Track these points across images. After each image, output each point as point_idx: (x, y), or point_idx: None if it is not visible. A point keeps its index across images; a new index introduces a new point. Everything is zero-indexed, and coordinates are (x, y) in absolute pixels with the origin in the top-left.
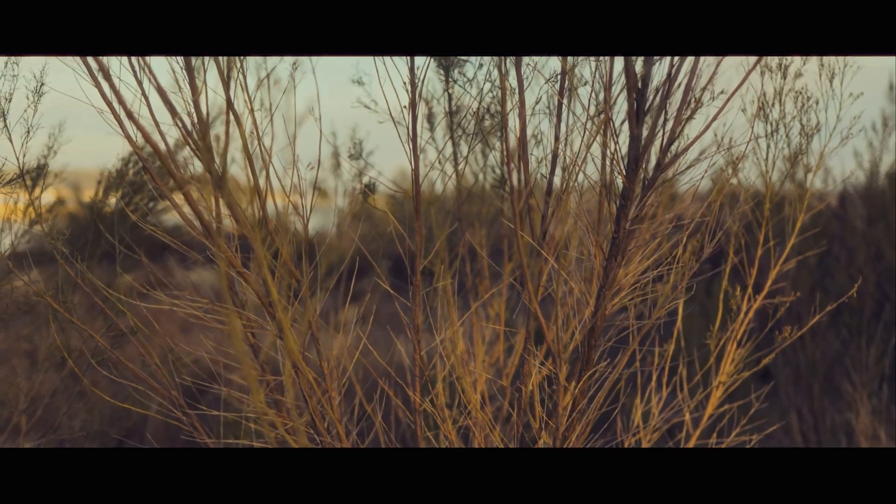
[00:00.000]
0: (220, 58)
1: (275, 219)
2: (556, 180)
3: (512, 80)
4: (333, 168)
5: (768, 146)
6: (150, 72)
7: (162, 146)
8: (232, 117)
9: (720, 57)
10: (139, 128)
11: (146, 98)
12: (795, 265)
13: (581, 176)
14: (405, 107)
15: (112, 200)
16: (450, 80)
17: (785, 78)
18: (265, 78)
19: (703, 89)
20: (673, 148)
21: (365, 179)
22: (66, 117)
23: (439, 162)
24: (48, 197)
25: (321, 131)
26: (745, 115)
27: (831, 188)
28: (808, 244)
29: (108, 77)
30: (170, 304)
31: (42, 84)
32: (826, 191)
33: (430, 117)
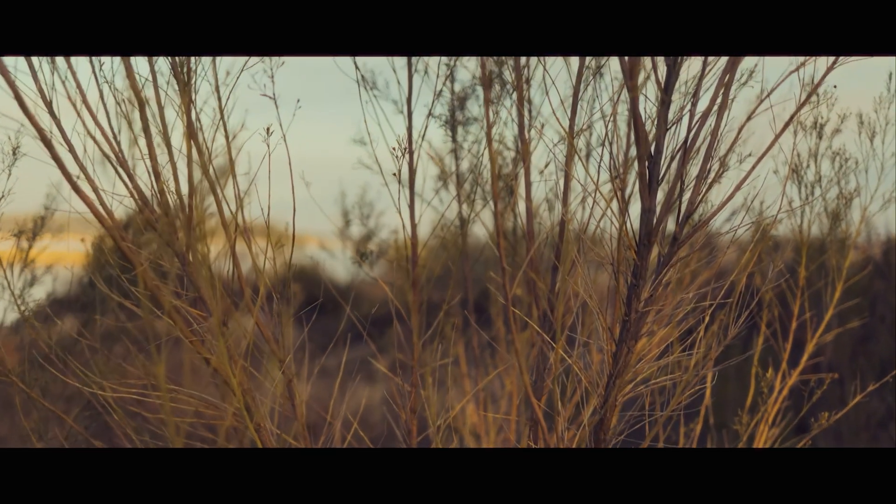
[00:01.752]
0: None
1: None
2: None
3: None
4: (342, 231)
5: (803, 211)
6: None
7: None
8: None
9: (747, 118)
10: (88, 204)
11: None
12: (837, 324)
13: (591, 249)
14: (395, 174)
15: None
16: (456, 140)
17: (821, 137)
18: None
19: (729, 150)
20: (695, 215)
21: (374, 239)
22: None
23: (441, 229)
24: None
25: (295, 203)
26: (777, 177)
27: (874, 240)
28: (849, 310)
29: (50, 147)
30: (123, 393)
31: (17, 147)
32: (869, 243)
33: (442, 174)
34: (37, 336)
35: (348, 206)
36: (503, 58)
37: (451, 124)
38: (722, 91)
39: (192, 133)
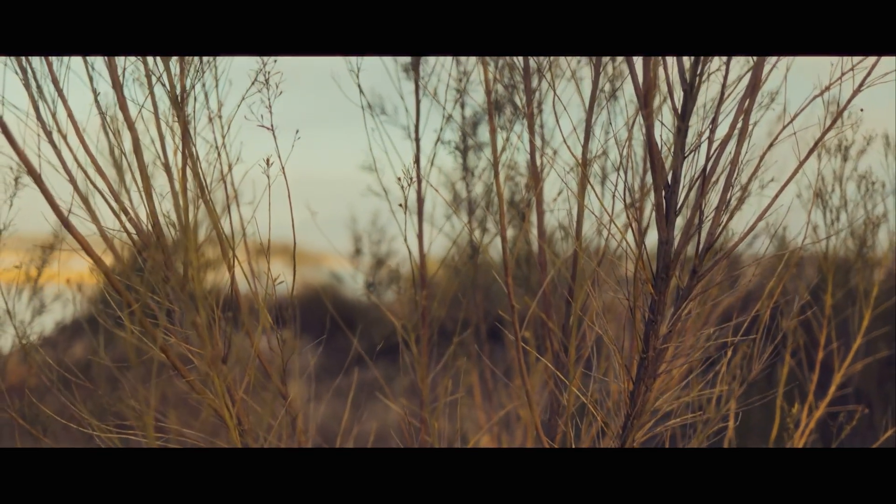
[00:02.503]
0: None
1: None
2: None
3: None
4: (354, 255)
5: (828, 237)
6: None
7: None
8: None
9: (769, 145)
10: (80, 241)
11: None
12: (864, 351)
13: (606, 282)
14: (401, 204)
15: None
16: (467, 167)
17: (846, 160)
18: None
19: (751, 178)
20: (716, 245)
21: (385, 265)
22: None
23: (453, 258)
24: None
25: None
26: (800, 201)
27: None
28: (878, 337)
29: (40, 182)
30: (118, 434)
31: (18, 177)
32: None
33: (453, 201)
34: (38, 371)
35: (359, 231)
36: (514, 82)
37: (462, 150)
38: (742, 117)
39: (190, 164)
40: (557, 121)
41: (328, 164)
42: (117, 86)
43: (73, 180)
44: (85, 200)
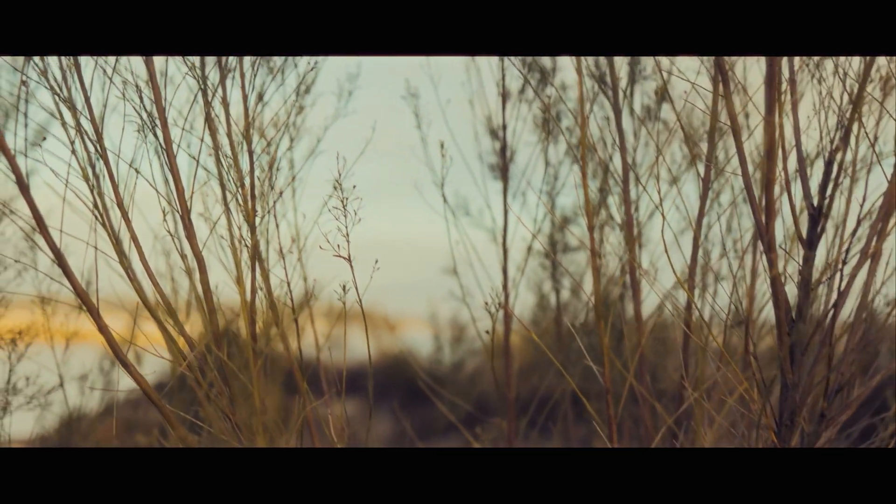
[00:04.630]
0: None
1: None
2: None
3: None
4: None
5: None
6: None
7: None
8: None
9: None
10: (140, 385)
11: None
12: None
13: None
14: (487, 331)
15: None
16: (556, 277)
17: None
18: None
19: (888, 317)
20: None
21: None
22: None
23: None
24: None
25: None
26: None
27: None
28: None
29: (97, 316)
30: None
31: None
32: None
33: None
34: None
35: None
36: (608, 187)
37: (552, 260)
38: (874, 241)
39: (263, 291)
40: (666, 248)
41: (417, 226)
42: (185, 212)
43: (142, 295)
44: (159, 322)
